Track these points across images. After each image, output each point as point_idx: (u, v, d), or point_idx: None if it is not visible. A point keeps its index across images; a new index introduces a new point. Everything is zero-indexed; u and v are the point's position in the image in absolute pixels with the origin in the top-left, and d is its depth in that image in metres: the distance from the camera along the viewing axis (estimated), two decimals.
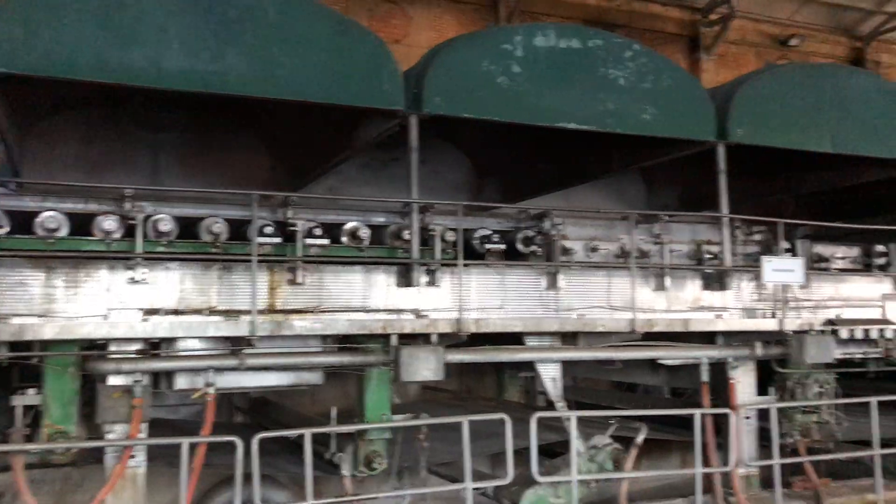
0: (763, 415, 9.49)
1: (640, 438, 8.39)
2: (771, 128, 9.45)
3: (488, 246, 8.44)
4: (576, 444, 8.37)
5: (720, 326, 8.84)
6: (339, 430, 7.58)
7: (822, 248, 10.14)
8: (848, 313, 9.65)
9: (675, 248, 9.38)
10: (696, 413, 8.16)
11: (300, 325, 7.32)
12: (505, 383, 13.57)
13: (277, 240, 7.65)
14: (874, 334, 9.00)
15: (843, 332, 8.83)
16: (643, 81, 8.81)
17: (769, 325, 8.87)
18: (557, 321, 8.15)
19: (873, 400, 9.01)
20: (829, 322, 8.98)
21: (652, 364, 9.55)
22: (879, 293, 10.00)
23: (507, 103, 8.21)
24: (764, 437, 9.66)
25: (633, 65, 8.78)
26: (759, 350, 8.96)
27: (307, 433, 7.11)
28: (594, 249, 9.02)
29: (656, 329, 8.44)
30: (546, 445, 8.69)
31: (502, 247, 8.47)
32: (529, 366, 8.59)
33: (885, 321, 9.27)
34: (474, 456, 7.74)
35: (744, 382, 9.23)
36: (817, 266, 10.01)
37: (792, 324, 8.91)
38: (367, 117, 8.56)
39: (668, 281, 8.78)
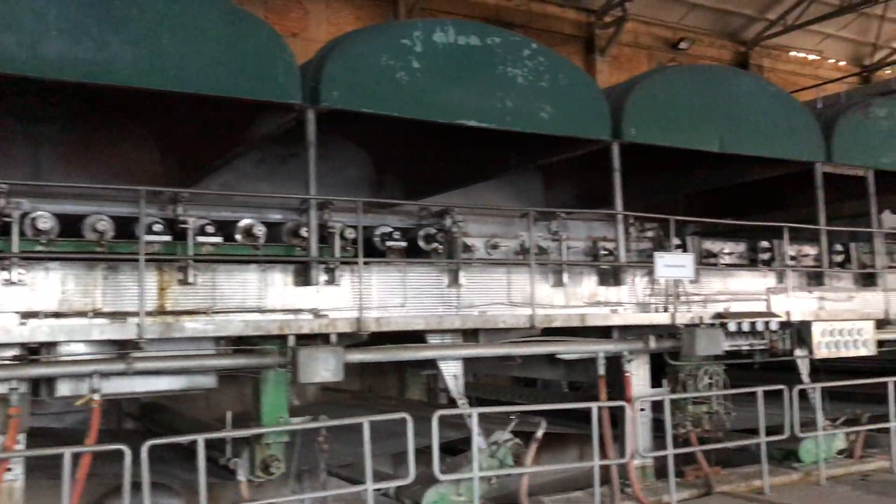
0: (657, 406, 9.77)
1: (539, 433, 8.46)
2: (663, 127, 9.71)
3: (389, 243, 8.33)
4: (477, 440, 8.40)
5: (616, 321, 9.02)
6: (235, 435, 7.33)
7: (710, 244, 10.50)
8: (736, 307, 10.04)
9: (573, 245, 9.52)
10: (594, 406, 8.29)
11: (192, 326, 7.03)
12: (407, 382, 13.54)
13: (167, 238, 7.30)
14: (760, 327, 9.38)
15: (732, 325, 9.16)
16: (541, 80, 8.88)
17: (662, 318, 9.12)
18: (459, 318, 8.12)
19: (759, 390, 9.38)
20: (719, 315, 9.30)
21: (550, 359, 9.65)
22: (764, 287, 10.44)
23: (406, 99, 8.11)
24: (658, 428, 9.94)
25: (531, 63, 8.85)
26: (653, 343, 9.20)
27: (200, 438, 6.83)
28: (495, 246, 9.05)
29: (555, 324, 8.54)
30: (448, 443, 8.68)
31: (403, 244, 8.37)
32: (432, 364, 8.54)
33: (771, 314, 9.67)
34: (375, 456, 7.62)
35: (638, 375, 9.46)
36: (706, 261, 10.35)
37: (683, 317, 9.18)
38: (262, 111, 8.30)
39: (565, 277, 8.89)
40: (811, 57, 28.55)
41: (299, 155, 12.80)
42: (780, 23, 26.77)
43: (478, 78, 8.53)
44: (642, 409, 9.40)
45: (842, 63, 28.91)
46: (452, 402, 12.25)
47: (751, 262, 10.77)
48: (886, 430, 11.10)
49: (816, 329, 9.82)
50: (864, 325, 10.26)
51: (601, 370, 8.97)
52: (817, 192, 10.96)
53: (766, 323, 9.43)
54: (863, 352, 10.20)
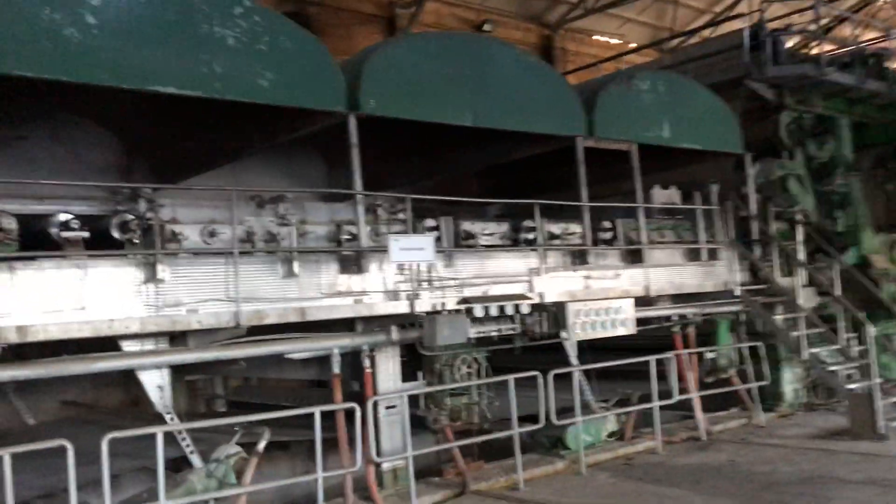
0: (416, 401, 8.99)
1: (261, 445, 7.41)
2: (407, 99, 8.82)
3: (65, 234, 6.95)
4: (194, 459, 7.26)
5: (347, 313, 8.04)
6: None
7: (469, 225, 9.75)
8: (496, 290, 9.37)
9: (311, 230, 8.48)
10: (316, 411, 7.28)
11: None
12: None
13: None
14: (509, 310, 8.72)
15: (478, 310, 8.43)
16: (258, 42, 7.74)
17: (400, 307, 8.26)
18: (139, 321, 6.85)
19: (510, 378, 8.75)
20: (464, 300, 8.55)
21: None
22: (527, 268, 9.85)
23: (78, 61, 6.72)
24: (420, 424, 9.16)
25: (245, 23, 7.68)
26: (395, 335, 8.33)
27: None
28: (213, 234, 7.84)
29: (267, 321, 7.47)
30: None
31: (84, 234, 6.99)
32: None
33: (521, 297, 9.04)
34: (80, 484, 6.30)
35: (386, 370, 8.60)
36: (466, 243, 9.62)
37: (425, 304, 8.36)
38: None
39: (296, 266, 7.85)
40: (613, 41, 29.04)
41: (30, 138, 11.42)
42: (581, 5, 27.01)
43: (175, 38, 7.27)
44: (391, 407, 8.55)
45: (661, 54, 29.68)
46: (210, 409, 10.99)
47: (514, 242, 10.14)
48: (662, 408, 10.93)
49: (571, 310, 9.30)
50: (623, 304, 9.88)
51: (336, 368, 7.99)
52: (579, 168, 10.49)
53: (517, 306, 8.78)
54: (621, 331, 9.81)
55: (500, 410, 9.28)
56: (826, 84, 13.84)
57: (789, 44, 15.18)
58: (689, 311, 11.27)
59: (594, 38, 29.03)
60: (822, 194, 14.59)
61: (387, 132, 10.30)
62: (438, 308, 8.39)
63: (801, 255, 12.57)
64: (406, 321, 8.43)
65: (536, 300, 9.26)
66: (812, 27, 14.08)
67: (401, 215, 9.14)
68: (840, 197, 14.76)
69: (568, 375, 9.87)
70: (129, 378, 11.91)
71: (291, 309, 7.61)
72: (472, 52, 9.58)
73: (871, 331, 10.74)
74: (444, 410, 8.83)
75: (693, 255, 11.90)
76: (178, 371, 10.76)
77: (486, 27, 25.76)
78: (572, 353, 10.23)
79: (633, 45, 27.83)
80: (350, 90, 8.43)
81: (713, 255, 11.96)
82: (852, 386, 10.63)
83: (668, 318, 11.20)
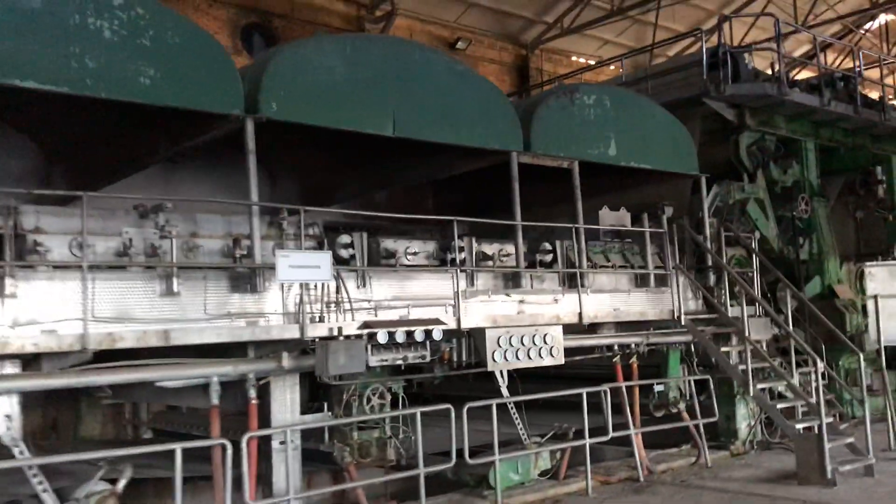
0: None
1: (121, 485, 6.58)
2: (316, 104, 8.06)
3: None
4: (46, 498, 6.42)
5: (225, 337, 7.16)
6: None
7: (391, 243, 8.99)
8: (417, 313, 8.58)
9: (202, 244, 7.70)
10: (177, 447, 6.45)
11: None
12: (83, 414, 11.28)
13: None
14: (419, 336, 7.91)
15: (381, 336, 7.62)
16: (139, 37, 7.01)
17: (289, 332, 7.44)
18: None
19: (417, 411, 7.95)
20: (365, 325, 7.75)
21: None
22: (452, 291, 9.06)
23: None
24: (325, 460, 8.37)
25: (125, 15, 6.95)
26: (288, 362, 7.52)
27: None
28: (82, 246, 7.04)
29: (121, 345, 6.62)
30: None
31: None
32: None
33: (435, 322, 8.23)
34: None
35: (282, 400, 7.79)
36: (386, 262, 8.85)
37: (320, 329, 7.56)
38: None
39: (175, 284, 7.06)
40: (592, 62, 28.48)
41: None
42: (558, 26, 26.46)
43: (41, 29, 6.54)
44: (282, 443, 7.73)
45: (621, 70, 29.07)
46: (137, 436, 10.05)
47: (441, 262, 9.36)
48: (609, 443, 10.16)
49: (490, 337, 8.52)
50: (552, 331, 9.09)
51: (214, 399, 7.17)
52: (513, 184, 9.74)
53: (427, 332, 7.98)
54: (548, 361, 9.00)
55: (432, 444, 8.50)
56: (789, 105, 13.17)
57: (759, 64, 14.59)
58: (630, 339, 10.50)
59: (572, 58, 28.49)
60: (785, 220, 13.89)
61: (334, 142, 9.64)
62: (335, 333, 7.57)
63: (756, 283, 11.81)
64: (309, 347, 7.63)
65: (451, 326, 8.46)
66: (774, 47, 13.41)
67: (311, 230, 8.37)
68: (804, 223, 14.05)
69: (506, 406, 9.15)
70: (48, 400, 11.23)
71: (153, 332, 6.79)
72: (396, 57, 8.84)
73: (820, 366, 9.95)
74: (347, 446, 8.02)
75: (642, 281, 11.13)
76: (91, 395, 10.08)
77: (460, 45, 25.19)
78: (502, 382, 9.45)
79: (612, 68, 27.26)
80: (251, 92, 7.68)
81: (662, 281, 11.19)
82: (800, 426, 9.83)
83: (609, 348, 10.42)
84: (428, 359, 8.14)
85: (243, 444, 6.80)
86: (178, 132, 8.47)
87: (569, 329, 9.74)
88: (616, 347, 10.46)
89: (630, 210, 11.65)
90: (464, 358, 8.62)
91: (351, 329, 7.67)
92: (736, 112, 13.09)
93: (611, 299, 10.64)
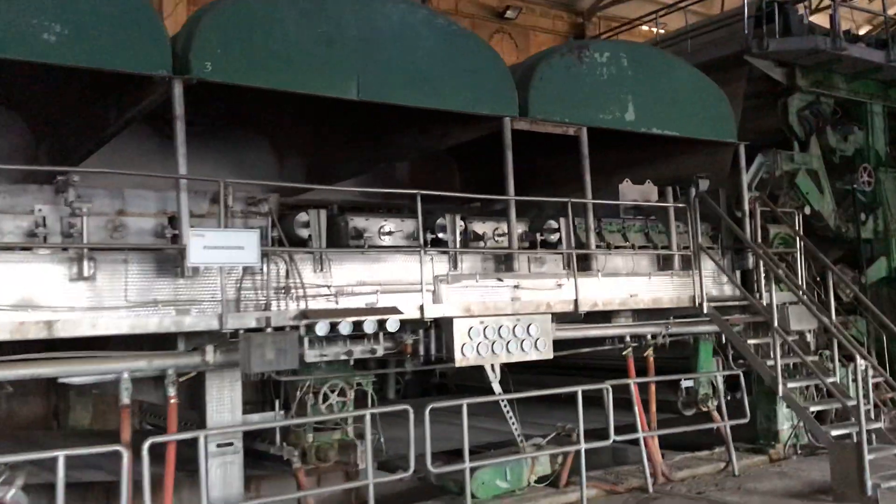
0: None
1: (10, 494, 5.80)
2: (261, 63, 7.04)
3: None
4: None
5: (101, 329, 6.22)
6: None
7: (363, 222, 7.94)
8: (387, 300, 7.54)
9: (130, 223, 6.83)
10: (60, 455, 5.59)
11: None
12: (72, 404, 10.77)
13: None
14: (370, 328, 6.86)
15: (320, 328, 6.59)
16: None
17: (205, 322, 6.48)
18: None
19: (367, 413, 6.92)
20: (302, 315, 6.74)
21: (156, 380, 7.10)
22: (433, 274, 7.99)
23: None
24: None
25: None
26: (213, 356, 6.58)
27: None
28: None
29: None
30: None
31: None
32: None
33: (390, 310, 7.14)
34: None
35: (220, 398, 6.89)
36: (355, 243, 7.83)
37: (246, 319, 6.59)
38: None
39: (87, 267, 6.22)
40: (654, 30, 26.61)
41: None
42: None
43: None
44: (227, 444, 6.84)
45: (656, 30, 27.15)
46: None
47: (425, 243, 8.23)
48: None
49: (460, 327, 7.38)
50: (537, 321, 7.88)
51: (125, 398, 6.30)
52: (505, 154, 8.54)
53: (380, 322, 6.92)
54: (533, 355, 7.80)
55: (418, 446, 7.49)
56: (847, 62, 11.45)
57: (820, 21, 12.84)
58: (643, 329, 9.20)
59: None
60: (845, 194, 12.21)
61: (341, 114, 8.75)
62: (262, 324, 6.60)
63: (800, 265, 10.25)
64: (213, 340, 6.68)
65: (415, 315, 7.37)
66: None
67: (263, 207, 7.42)
68: (868, 197, 12.32)
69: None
70: (49, 387, 10.75)
71: (31, 323, 5.94)
72: (361, 9, 7.73)
73: (861, 364, 8.41)
74: (297, 449, 7.07)
75: (666, 264, 9.78)
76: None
77: (509, 14, 23.84)
78: (493, 376, 8.32)
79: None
80: (182, 51, 6.75)
81: (688, 263, 9.80)
82: (837, 432, 8.35)
83: (622, 339, 9.16)
84: (381, 353, 7.09)
85: (143, 451, 5.88)
86: (123, 100, 7.64)
87: (582, 317, 8.55)
88: (628, 338, 9.15)
89: (662, 185, 10.30)
90: (433, 351, 7.51)
91: (282, 319, 6.68)
92: (785, 72, 11.46)
93: (628, 284, 9.35)
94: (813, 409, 8.66)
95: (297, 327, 6.60)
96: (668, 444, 9.84)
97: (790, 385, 8.74)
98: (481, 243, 8.55)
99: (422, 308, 7.45)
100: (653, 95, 9.72)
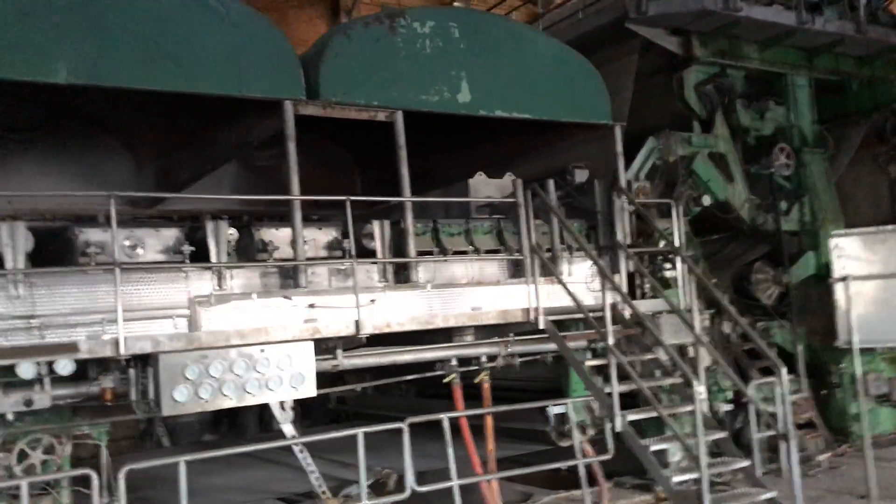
0: None
1: None
2: None
3: None
4: None
5: None
6: None
7: (99, 234, 6.38)
8: (123, 330, 6.05)
9: None
10: None
11: None
12: None
13: None
14: (26, 373, 5.34)
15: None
16: None
17: None
18: None
19: (121, 472, 5.38)
20: None
21: None
22: (191, 295, 6.50)
23: None
24: None
25: None
26: None
27: None
28: None
29: None
30: None
31: None
32: None
33: (69, 348, 5.62)
34: None
35: None
36: (260, 257, 6.39)
37: None
38: None
39: None
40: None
41: None
42: None
43: None
44: None
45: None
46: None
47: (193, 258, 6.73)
48: None
49: (169, 365, 5.84)
50: (292, 351, 6.30)
51: None
52: (287, 145, 7.00)
53: (49, 364, 5.41)
54: (283, 395, 6.21)
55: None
56: (751, 26, 9.74)
57: None
58: (466, 352, 7.63)
59: None
60: (765, 181, 10.49)
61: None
62: None
63: (679, 262, 8.54)
64: None
65: (108, 353, 5.84)
66: None
67: None
68: (793, 183, 10.60)
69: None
70: None
71: None
72: None
73: (751, 390, 6.71)
74: None
75: (519, 271, 8.19)
76: None
77: (457, 3, 22.30)
78: (282, 417, 6.78)
79: None
80: None
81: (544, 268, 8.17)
82: (678, 478, 6.66)
83: (441, 362, 7.59)
84: (48, 402, 5.59)
85: None
86: None
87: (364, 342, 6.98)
88: (454, 362, 7.58)
89: (540, 177, 8.72)
90: (150, 395, 5.97)
91: None
92: (681, 41, 9.79)
93: (467, 295, 7.78)
94: (654, 447, 6.97)
95: None
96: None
97: (631, 417, 7.03)
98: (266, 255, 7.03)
99: (116, 343, 5.85)
100: (496, 72, 8.15)
